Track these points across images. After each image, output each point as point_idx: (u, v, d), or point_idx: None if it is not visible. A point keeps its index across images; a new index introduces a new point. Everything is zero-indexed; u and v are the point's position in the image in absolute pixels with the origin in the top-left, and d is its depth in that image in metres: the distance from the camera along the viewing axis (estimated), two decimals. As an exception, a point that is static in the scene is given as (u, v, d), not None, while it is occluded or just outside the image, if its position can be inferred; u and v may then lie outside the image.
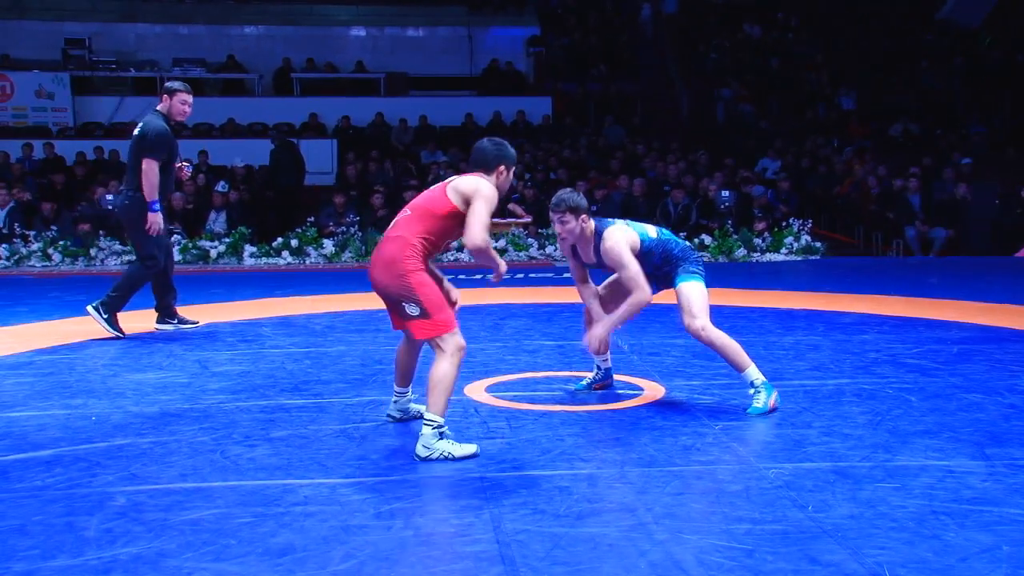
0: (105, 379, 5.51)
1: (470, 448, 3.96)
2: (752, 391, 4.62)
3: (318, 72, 18.90)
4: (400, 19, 20.08)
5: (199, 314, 7.76)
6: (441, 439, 3.92)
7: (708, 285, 4.81)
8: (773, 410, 4.57)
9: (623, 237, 4.68)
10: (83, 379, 5.50)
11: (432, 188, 4.22)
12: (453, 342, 3.93)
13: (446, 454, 3.90)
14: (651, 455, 3.98)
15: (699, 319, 4.62)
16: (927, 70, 18.79)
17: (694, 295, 4.67)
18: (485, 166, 4.18)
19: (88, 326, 6.92)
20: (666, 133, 17.38)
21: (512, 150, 4.27)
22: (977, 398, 4.85)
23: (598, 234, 4.71)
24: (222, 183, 13.75)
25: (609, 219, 4.88)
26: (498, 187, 4.14)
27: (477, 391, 5.10)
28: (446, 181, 4.19)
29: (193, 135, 16.82)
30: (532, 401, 4.89)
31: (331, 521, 3.27)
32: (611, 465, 3.86)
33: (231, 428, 4.45)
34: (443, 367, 3.90)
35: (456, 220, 4.07)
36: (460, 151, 15.77)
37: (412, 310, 3.95)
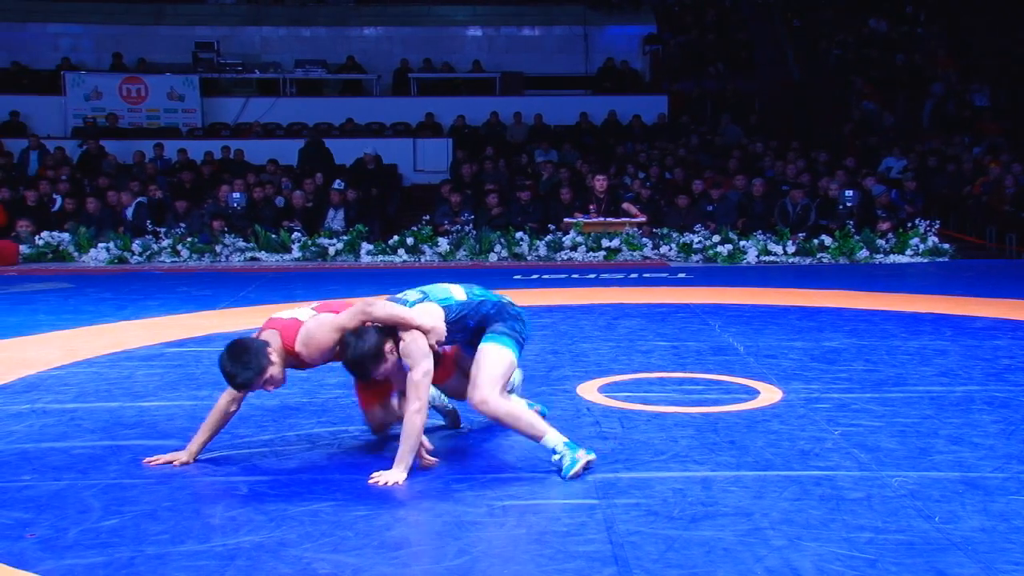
0: (229, 371, 5.68)
1: None
2: (556, 456, 3.73)
3: (435, 72, 19.14)
4: (516, 19, 20.17)
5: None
6: None
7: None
8: (587, 467, 3.71)
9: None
10: (209, 371, 5.69)
11: None
12: None
13: None
14: (767, 459, 3.90)
15: (480, 390, 3.78)
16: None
17: (486, 361, 3.85)
18: None
19: (215, 320, 7.15)
20: (784, 131, 16.97)
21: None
22: (1120, 409, 4.59)
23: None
24: (339, 181, 14.07)
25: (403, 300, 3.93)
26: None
27: (590, 391, 5.08)
28: None
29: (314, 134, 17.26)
30: (645, 402, 4.84)
31: (445, 517, 3.31)
32: (726, 468, 3.79)
33: (348, 422, 4.55)
34: None
35: None
36: (573, 148, 15.77)
37: None
